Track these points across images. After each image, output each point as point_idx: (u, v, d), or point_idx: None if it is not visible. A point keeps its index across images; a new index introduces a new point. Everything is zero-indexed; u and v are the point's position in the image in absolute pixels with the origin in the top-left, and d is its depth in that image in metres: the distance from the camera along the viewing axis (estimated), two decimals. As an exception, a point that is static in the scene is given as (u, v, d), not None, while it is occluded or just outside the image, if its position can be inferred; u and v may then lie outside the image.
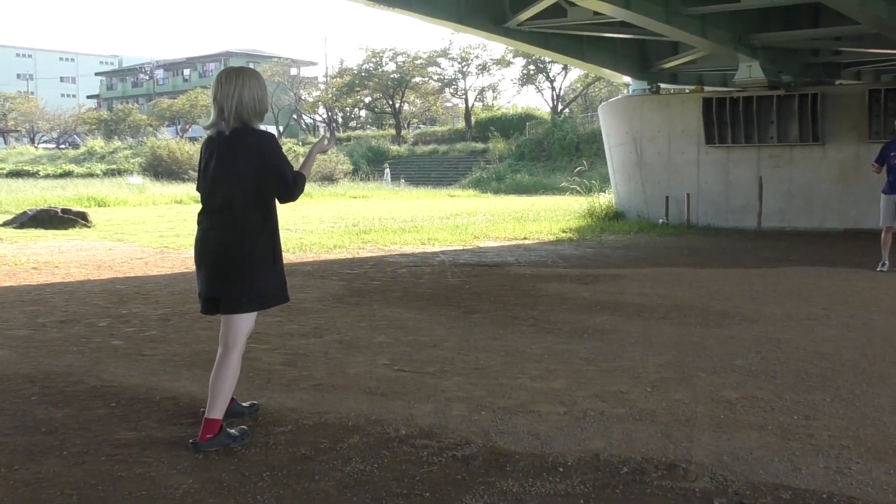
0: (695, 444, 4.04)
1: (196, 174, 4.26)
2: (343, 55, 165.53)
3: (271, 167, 3.93)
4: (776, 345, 6.29)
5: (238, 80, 3.94)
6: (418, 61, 63.34)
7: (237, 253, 3.94)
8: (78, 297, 8.47)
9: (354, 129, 77.85)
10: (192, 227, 14.87)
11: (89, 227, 16.46)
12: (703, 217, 18.60)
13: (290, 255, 12.46)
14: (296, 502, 3.35)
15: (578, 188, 22.76)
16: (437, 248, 13.58)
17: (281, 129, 72.71)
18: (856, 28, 15.54)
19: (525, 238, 15.62)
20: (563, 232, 16.72)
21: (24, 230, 15.48)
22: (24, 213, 16.93)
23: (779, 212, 18.03)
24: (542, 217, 20.78)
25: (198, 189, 4.19)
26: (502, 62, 61.45)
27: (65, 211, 16.94)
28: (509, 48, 57.24)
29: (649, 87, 19.83)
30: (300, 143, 61.16)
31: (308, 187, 27.67)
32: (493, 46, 61.16)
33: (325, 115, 75.07)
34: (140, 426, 4.33)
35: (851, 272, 10.79)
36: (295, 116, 79.39)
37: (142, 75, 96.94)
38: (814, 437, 4.15)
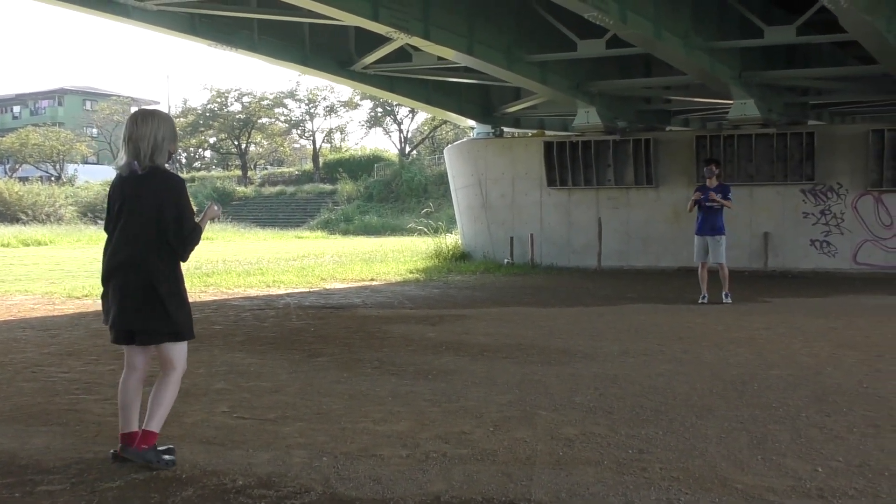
0: (534, 482, 4.10)
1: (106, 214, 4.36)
2: (186, 94, 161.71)
3: (175, 211, 4.10)
4: (613, 381, 6.50)
5: (153, 122, 4.12)
6: (265, 102, 62.73)
7: (161, 288, 4.08)
8: None
9: (198, 169, 76.15)
10: (18, 270, 14.09)
11: None
12: (547, 257, 19.15)
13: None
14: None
15: (426, 229, 22.94)
16: (282, 291, 13.38)
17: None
18: (683, 78, 16.49)
19: (372, 279, 15.62)
20: (411, 273, 16.83)
21: None
22: None
23: (617, 251, 18.78)
24: (390, 258, 20.85)
25: (106, 229, 4.31)
26: (350, 104, 61.80)
27: None
28: (356, 91, 57.61)
29: (493, 130, 20.36)
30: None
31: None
32: (341, 88, 61.44)
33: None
34: (-50, 488, 4.01)
35: (684, 308, 11.34)
36: (135, 156, 76.70)
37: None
38: (647, 470, 4.28)
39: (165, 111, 3.81)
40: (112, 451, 4.36)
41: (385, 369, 6.99)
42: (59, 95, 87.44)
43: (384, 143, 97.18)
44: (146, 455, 4.15)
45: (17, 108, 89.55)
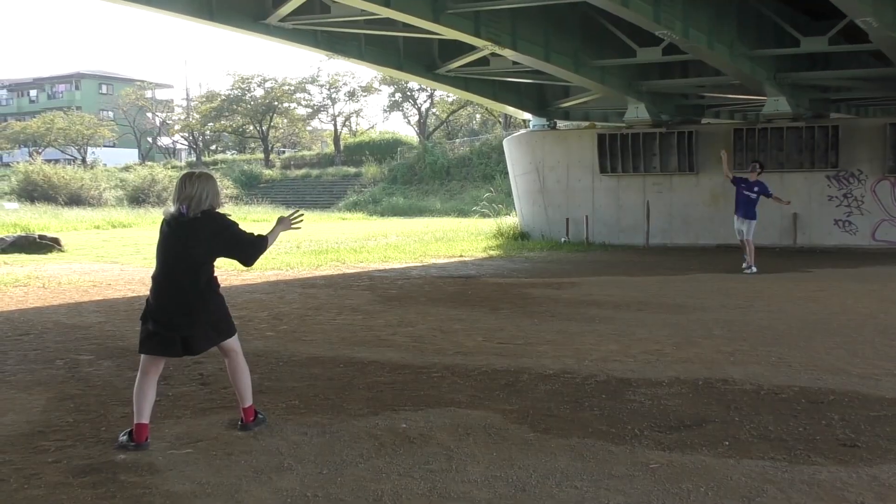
0: (727, 371, 6.76)
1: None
2: (202, 79, 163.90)
3: (229, 235, 5.08)
4: (730, 323, 9.17)
5: (200, 183, 4.96)
6: (287, 87, 65.04)
7: (204, 300, 5.09)
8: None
9: (215, 152, 78.54)
10: (151, 249, 16.92)
11: (63, 251, 17.87)
12: (598, 236, 21.81)
13: (281, 272, 14.61)
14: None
15: (488, 212, 25.58)
16: (400, 265, 16.00)
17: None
18: (722, 78, 19.11)
19: (462, 256, 18.25)
20: (490, 250, 19.48)
21: (8, 255, 16.78)
22: (2, 239, 18.13)
23: (662, 231, 21.45)
24: (457, 238, 23.46)
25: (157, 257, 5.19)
26: (369, 89, 64.13)
27: (41, 237, 18.28)
28: (377, 75, 60.05)
29: (548, 123, 22.99)
30: (166, 167, 61.53)
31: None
32: (361, 73, 63.80)
33: (188, 139, 75.36)
34: (371, 377, 6.67)
35: (745, 276, 14.00)
36: (150, 140, 79.25)
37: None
38: (791, 366, 6.97)
39: (212, 174, 5.30)
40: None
41: (559, 317, 9.65)
42: (75, 80, 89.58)
43: (399, 126, 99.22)
44: (258, 422, 5.32)
45: (34, 92, 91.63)
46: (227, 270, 14.70)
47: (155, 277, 5.12)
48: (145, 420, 4.92)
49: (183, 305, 5.00)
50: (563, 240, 21.67)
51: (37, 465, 4.57)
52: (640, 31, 16.11)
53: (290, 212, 5.53)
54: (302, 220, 5.51)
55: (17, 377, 6.64)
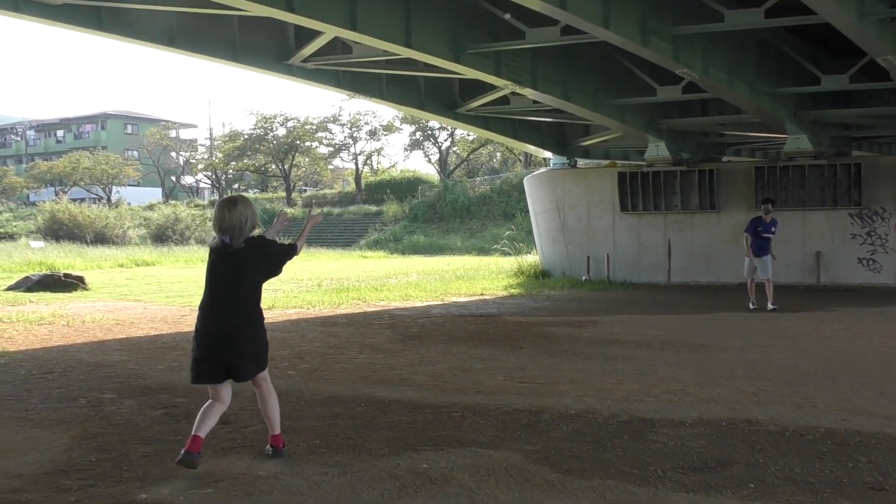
0: (752, 412, 6.69)
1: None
2: (225, 118, 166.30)
3: (273, 257, 5.33)
4: (753, 363, 9.10)
5: (238, 209, 5.14)
6: (309, 126, 65.66)
7: (251, 331, 5.21)
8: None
9: (238, 190, 79.21)
10: (174, 287, 17.13)
11: (87, 289, 18.03)
12: (619, 274, 21.74)
13: (302, 310, 14.65)
14: (558, 442, 5.79)
15: (509, 250, 25.61)
16: (421, 304, 16.01)
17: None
18: (742, 116, 19.12)
19: (482, 294, 18.24)
20: (511, 288, 19.46)
21: (34, 293, 16.95)
22: (28, 277, 18.35)
23: (683, 269, 21.36)
24: (477, 276, 23.45)
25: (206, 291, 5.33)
26: (390, 128, 64.61)
27: (66, 275, 18.47)
28: (398, 114, 60.52)
29: (568, 161, 23.06)
30: (189, 206, 62.00)
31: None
32: (382, 112, 64.32)
33: (211, 177, 76.09)
34: (392, 416, 6.65)
35: (768, 315, 13.90)
36: (174, 179, 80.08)
37: (12, 136, 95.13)
38: (816, 406, 6.89)
39: (246, 196, 5.32)
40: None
41: (580, 356, 9.61)
42: (101, 120, 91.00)
43: (419, 164, 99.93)
44: (286, 450, 5.53)
45: (61, 133, 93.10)
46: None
47: (203, 306, 5.29)
48: (200, 434, 5.10)
49: (231, 335, 5.13)
50: (584, 278, 21.62)
51: (59, 504, 4.58)
52: (659, 70, 16.20)
53: (317, 210, 5.87)
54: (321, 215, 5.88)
55: (40, 415, 6.68)
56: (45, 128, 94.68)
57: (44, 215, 50.11)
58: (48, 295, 16.98)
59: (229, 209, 5.13)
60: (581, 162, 23.65)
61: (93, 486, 4.90)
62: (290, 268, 22.69)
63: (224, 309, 5.16)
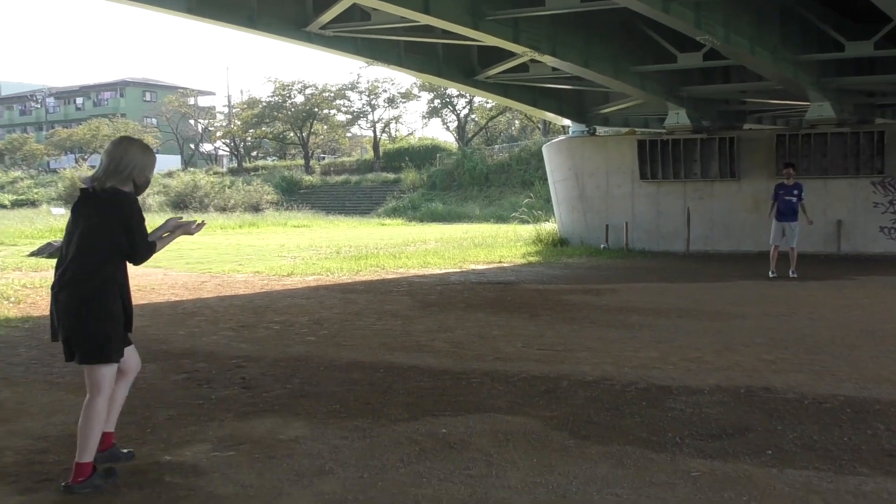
0: (769, 379, 6.69)
1: None
2: (244, 85, 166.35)
3: (125, 228, 4.25)
4: (771, 331, 9.08)
5: (130, 149, 4.34)
6: (327, 94, 65.50)
7: (88, 306, 4.26)
8: (231, 310, 10.60)
9: (256, 158, 79.36)
10: (193, 254, 17.22)
11: (108, 256, 18.16)
12: (638, 242, 21.65)
13: (321, 277, 14.72)
14: (576, 408, 5.82)
15: (527, 218, 25.60)
16: (439, 271, 16.03)
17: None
18: (764, 83, 18.90)
19: (500, 262, 18.24)
20: (529, 256, 19.44)
21: (55, 258, 17.05)
22: (50, 243, 18.53)
23: (703, 237, 21.25)
24: (496, 244, 23.44)
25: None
26: (408, 95, 64.34)
27: (87, 242, 18.58)
28: (416, 82, 60.26)
29: (588, 129, 22.91)
30: (208, 173, 62.14)
31: (247, 218, 29.41)
32: (400, 80, 64.06)
33: (229, 145, 76.21)
34: (411, 382, 6.70)
35: (788, 284, 13.84)
36: (192, 146, 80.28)
37: (32, 103, 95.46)
38: (835, 374, 6.89)
39: (147, 143, 4.59)
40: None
41: (598, 324, 9.62)
42: (120, 87, 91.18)
43: (437, 132, 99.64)
44: (88, 485, 4.25)
45: (80, 100, 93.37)
46: (267, 276, 14.87)
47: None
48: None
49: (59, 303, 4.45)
50: (602, 246, 21.56)
51: (84, 465, 4.65)
52: (680, 37, 16.03)
53: (199, 220, 4.77)
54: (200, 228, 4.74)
55: (65, 379, 6.77)
56: (64, 95, 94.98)
57: (64, 182, 50.45)
58: (70, 261, 17.13)
59: (117, 144, 4.41)
60: (600, 130, 23.50)
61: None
62: (309, 235, 22.65)
63: (73, 271, 4.30)
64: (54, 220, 29.96)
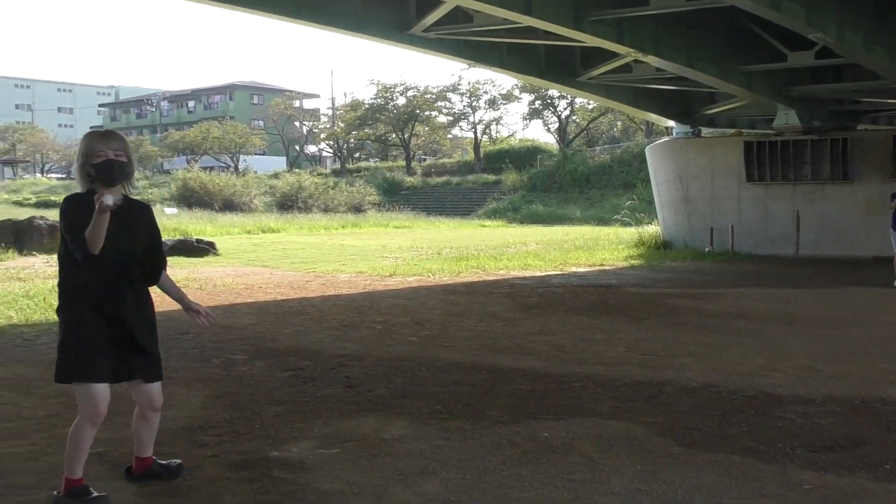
0: (882, 392, 6.42)
1: None
2: (347, 87, 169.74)
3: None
4: (888, 340, 8.71)
5: (81, 143, 4.00)
6: (428, 96, 66.02)
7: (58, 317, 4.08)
8: (335, 309, 10.80)
9: (359, 160, 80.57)
10: (298, 253, 17.55)
11: (218, 255, 18.76)
12: (744, 246, 21.10)
13: (423, 278, 14.84)
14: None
15: (629, 220, 25.30)
16: (540, 273, 15.96)
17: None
18: (879, 83, 18.15)
19: (602, 264, 18.04)
20: (631, 259, 19.18)
21: (169, 258, 17.64)
22: (164, 242, 19.18)
23: (812, 241, 20.57)
24: (597, 246, 23.20)
25: None
26: (509, 97, 64.25)
27: (198, 241, 19.28)
28: (517, 83, 60.11)
29: (692, 130, 22.45)
30: (312, 174, 63.33)
31: (349, 218, 29.75)
32: (501, 81, 63.99)
33: (333, 147, 77.60)
34: (513, 384, 6.69)
35: (904, 291, 13.28)
36: (297, 148, 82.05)
37: (148, 107, 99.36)
38: (957, 386, 6.55)
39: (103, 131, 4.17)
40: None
41: (703, 329, 9.41)
42: (229, 91, 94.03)
43: (538, 133, 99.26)
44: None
45: (192, 103, 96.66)
46: (370, 276, 15.07)
47: None
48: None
49: None
50: (706, 249, 21.09)
51: (197, 458, 4.80)
52: (790, 35, 15.52)
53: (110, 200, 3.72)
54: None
55: (178, 374, 7.01)
56: (177, 99, 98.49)
57: (176, 183, 52.14)
58: (182, 259, 17.73)
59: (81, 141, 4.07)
60: (705, 131, 22.97)
61: (227, 443, 5.12)
62: (410, 236, 22.82)
63: None
64: (167, 219, 31.03)
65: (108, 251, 3.88)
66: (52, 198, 62.78)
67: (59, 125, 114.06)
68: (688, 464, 4.69)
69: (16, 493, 4.21)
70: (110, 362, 3.99)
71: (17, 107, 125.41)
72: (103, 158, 3.91)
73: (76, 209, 3.91)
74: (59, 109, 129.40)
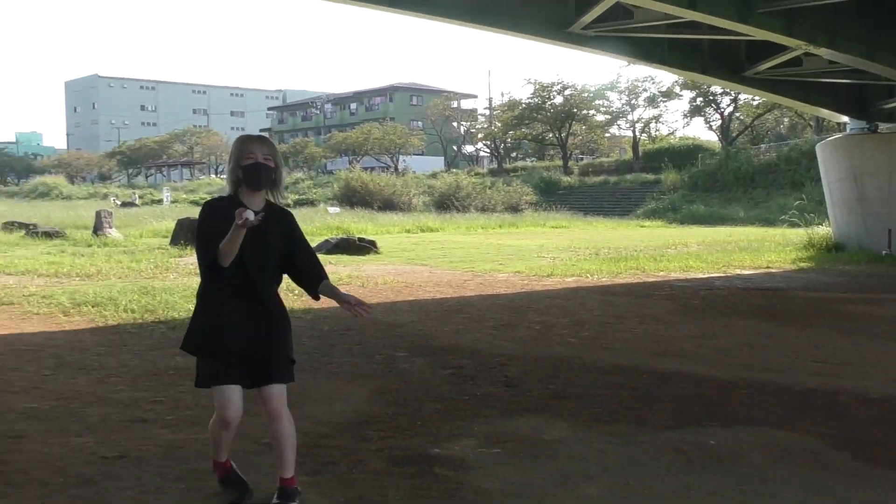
0: None
1: None
2: (504, 87, 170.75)
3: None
4: None
5: (233, 145, 4.00)
6: (586, 94, 65.35)
7: None
8: (493, 308, 10.89)
9: (516, 159, 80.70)
10: (457, 252, 17.58)
11: (379, 253, 19.23)
12: (927, 249, 19.76)
13: (580, 279, 14.68)
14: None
15: (797, 221, 24.23)
16: (702, 275, 15.49)
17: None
18: None
19: (768, 267, 17.30)
20: (800, 262, 18.32)
21: (332, 255, 18.33)
22: (327, 240, 19.91)
23: None
24: (762, 248, 22.27)
25: None
26: (669, 94, 62.71)
27: (360, 239, 19.84)
28: (678, 80, 58.57)
29: (868, 126, 21.21)
30: (469, 174, 63.90)
31: (506, 218, 29.61)
32: (661, 78, 62.52)
33: (490, 146, 78.08)
34: (675, 388, 6.50)
35: None
36: (455, 148, 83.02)
37: (312, 109, 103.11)
38: None
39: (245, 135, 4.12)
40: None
41: (882, 337, 8.93)
42: (389, 92, 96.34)
43: (699, 131, 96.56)
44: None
45: (354, 105, 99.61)
46: (527, 276, 15.06)
47: None
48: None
49: None
50: (884, 252, 19.88)
51: (362, 452, 4.92)
52: None
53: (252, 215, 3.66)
54: None
55: (343, 369, 7.22)
56: (340, 101, 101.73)
57: (339, 183, 53.68)
58: (345, 257, 18.25)
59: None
60: (883, 126, 21.64)
61: (390, 438, 5.22)
62: (567, 236, 22.56)
63: None
64: (330, 219, 32.06)
65: (240, 260, 3.83)
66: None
67: (232, 128, 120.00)
68: (867, 480, 4.44)
69: (195, 478, 4.44)
70: (240, 367, 3.92)
71: (194, 111, 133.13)
72: (252, 161, 3.89)
73: (210, 216, 3.91)
74: (232, 113, 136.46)
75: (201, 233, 3.90)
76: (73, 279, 13.38)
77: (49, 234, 21.79)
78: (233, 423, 3.96)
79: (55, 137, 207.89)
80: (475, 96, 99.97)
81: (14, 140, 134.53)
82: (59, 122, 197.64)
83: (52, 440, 5.10)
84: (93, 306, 10.23)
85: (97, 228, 22.32)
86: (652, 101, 63.97)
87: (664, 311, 10.84)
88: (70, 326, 9.17)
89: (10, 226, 24.55)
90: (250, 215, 3.64)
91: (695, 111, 62.66)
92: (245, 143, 3.94)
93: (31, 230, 22.53)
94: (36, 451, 4.88)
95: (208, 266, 3.85)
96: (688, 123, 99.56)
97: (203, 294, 4.00)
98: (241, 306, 3.92)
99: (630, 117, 65.69)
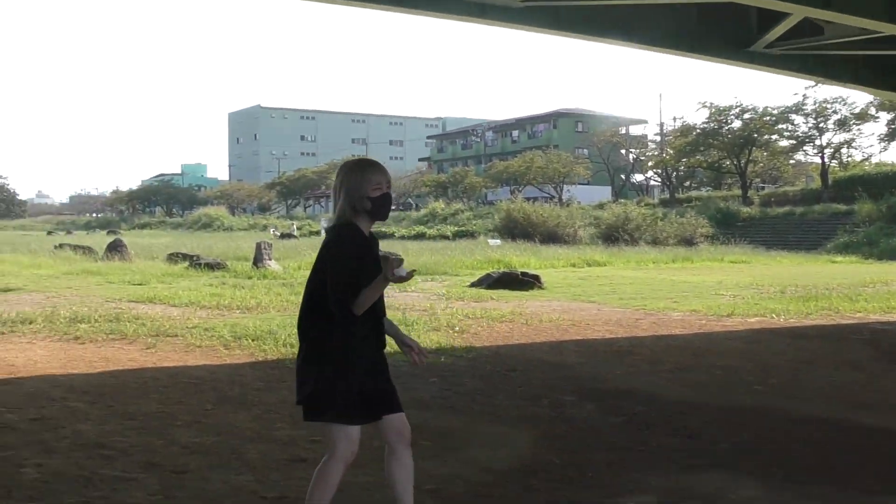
0: None
1: None
2: (676, 112, 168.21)
3: (328, 269, 3.80)
4: None
5: (340, 174, 3.90)
6: (767, 118, 63.16)
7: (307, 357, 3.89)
8: (669, 350, 10.61)
9: (689, 188, 78.80)
10: (626, 289, 17.13)
11: (542, 288, 19.13)
12: None
13: (765, 319, 14.06)
14: None
15: None
16: (907, 317, 14.53)
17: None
18: None
19: None
20: None
21: (494, 290, 18.39)
22: (489, 275, 20.02)
23: None
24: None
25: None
26: (863, 116, 59.77)
27: (523, 274, 19.84)
28: (873, 100, 55.77)
29: None
30: (639, 204, 62.91)
31: (680, 251, 28.76)
32: (854, 98, 59.73)
33: (661, 175, 76.64)
34: (882, 447, 6.05)
35: None
36: (623, 176, 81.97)
37: (473, 137, 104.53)
38: None
39: (365, 159, 3.98)
40: None
41: None
42: (553, 119, 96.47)
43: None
44: None
45: (515, 133, 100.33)
46: (705, 315, 14.59)
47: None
48: None
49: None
50: None
51: (528, 503, 4.82)
52: None
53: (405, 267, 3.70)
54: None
55: (507, 413, 7.14)
56: (501, 128, 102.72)
57: (500, 214, 53.95)
58: (507, 292, 18.22)
59: (337, 174, 3.96)
60: None
61: (558, 489, 5.10)
62: (748, 271, 21.84)
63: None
64: (491, 251, 32.19)
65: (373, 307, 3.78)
66: (379, 228, 67.89)
67: (390, 157, 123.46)
68: None
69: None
70: (364, 403, 3.89)
71: (353, 141, 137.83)
72: (382, 192, 3.82)
73: (353, 251, 3.77)
74: (391, 142, 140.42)
75: (341, 271, 3.71)
76: (234, 311, 13.95)
77: (211, 266, 22.87)
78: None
79: (218, 168, 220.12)
80: (645, 122, 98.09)
81: (180, 172, 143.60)
82: (223, 152, 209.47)
83: (214, 476, 5.27)
84: (253, 340, 10.60)
85: (257, 260, 23.27)
86: (843, 125, 61.11)
87: (864, 357, 10.21)
88: (231, 360, 9.53)
89: (175, 257, 25.95)
90: (403, 272, 3.56)
91: (893, 134, 59.47)
92: (369, 173, 3.86)
93: (194, 261, 23.72)
94: (198, 488, 5.06)
95: (342, 309, 3.69)
96: (885, 148, 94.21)
97: (342, 347, 3.78)
98: (378, 358, 3.91)
99: (818, 142, 62.93)
